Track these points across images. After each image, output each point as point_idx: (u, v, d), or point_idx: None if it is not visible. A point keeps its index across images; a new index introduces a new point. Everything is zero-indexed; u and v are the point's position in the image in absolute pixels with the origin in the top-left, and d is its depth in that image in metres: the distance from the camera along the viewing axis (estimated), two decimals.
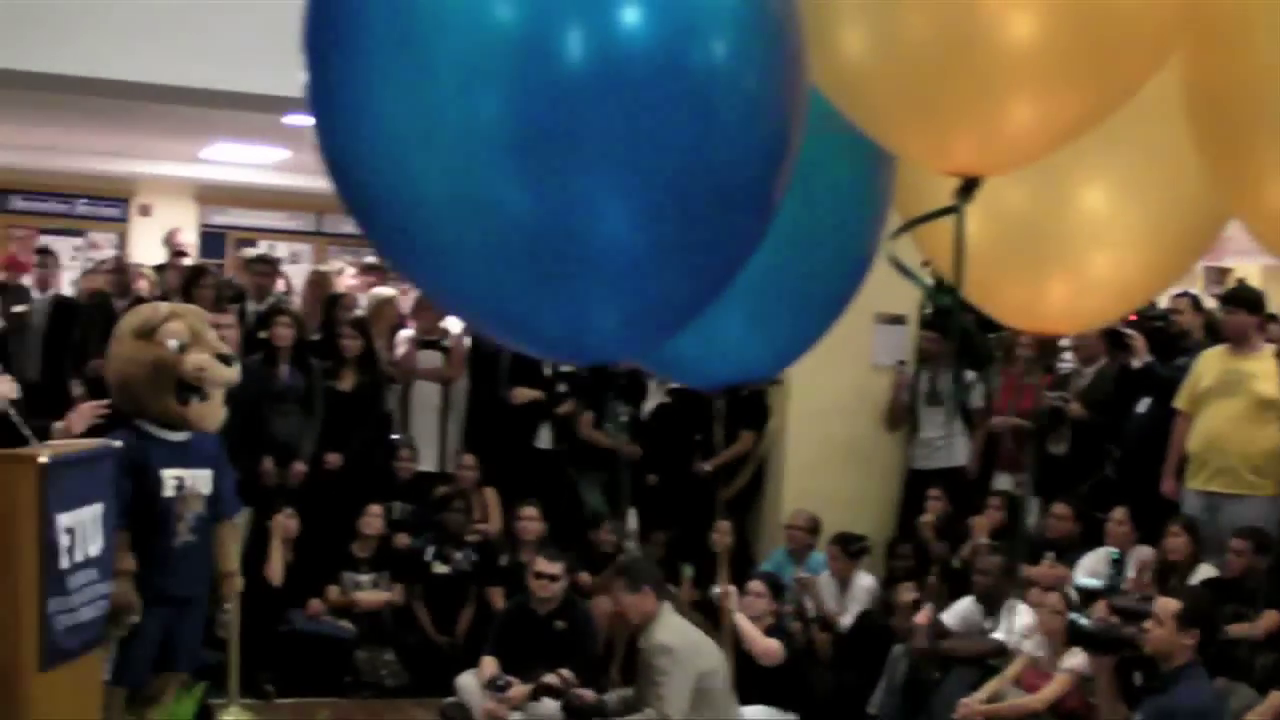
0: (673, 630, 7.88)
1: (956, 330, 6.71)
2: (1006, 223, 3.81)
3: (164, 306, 7.48)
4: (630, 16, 2.97)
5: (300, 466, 10.69)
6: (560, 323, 3.26)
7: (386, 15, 3.02)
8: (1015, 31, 3.18)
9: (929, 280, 4.20)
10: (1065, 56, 3.22)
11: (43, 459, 5.75)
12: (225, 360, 6.94)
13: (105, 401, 6.92)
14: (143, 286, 11.79)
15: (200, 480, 7.00)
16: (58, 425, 6.87)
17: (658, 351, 3.80)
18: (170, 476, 6.87)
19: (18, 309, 12.73)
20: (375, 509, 10.60)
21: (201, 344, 6.92)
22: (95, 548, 6.10)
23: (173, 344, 6.83)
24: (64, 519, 5.85)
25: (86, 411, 6.86)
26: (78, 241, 20.80)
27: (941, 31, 3.20)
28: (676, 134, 3.02)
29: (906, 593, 9.98)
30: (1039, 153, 3.46)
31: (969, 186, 3.44)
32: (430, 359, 11.66)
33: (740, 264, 3.42)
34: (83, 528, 6.00)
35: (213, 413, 7.00)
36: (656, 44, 2.98)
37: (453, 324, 12.28)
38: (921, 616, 9.33)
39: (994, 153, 3.41)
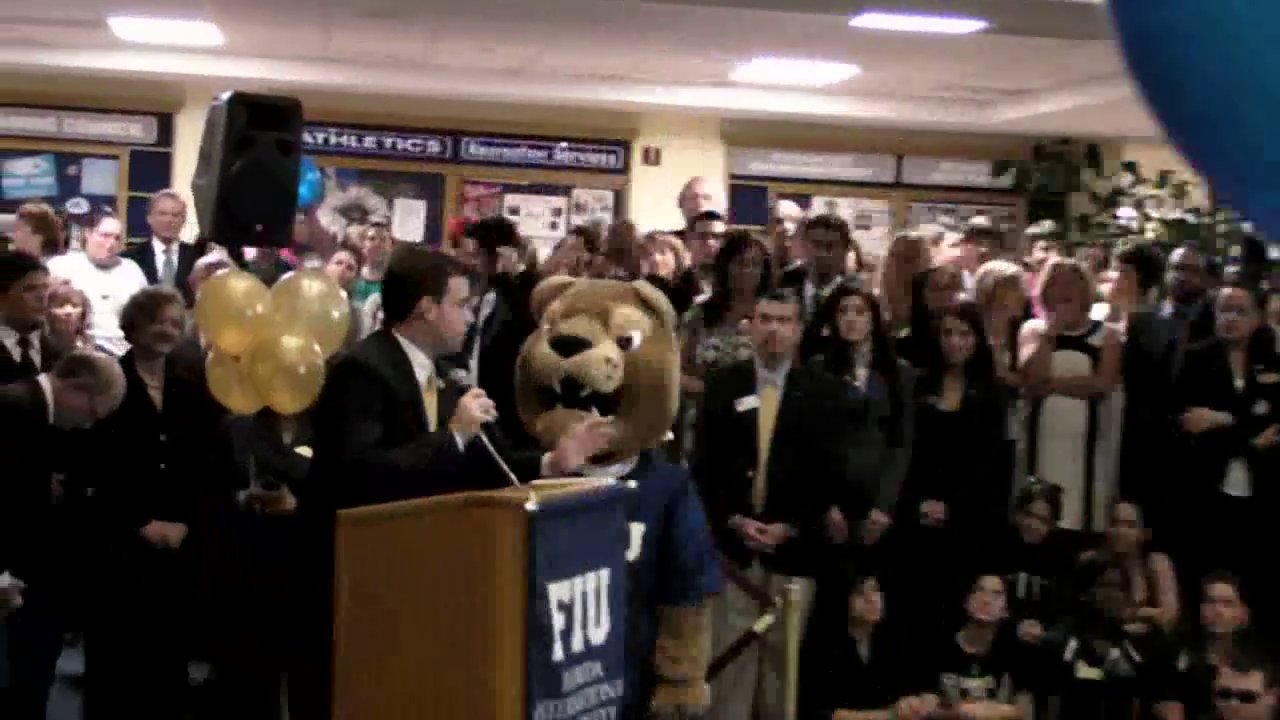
0: None
1: None
2: None
3: (556, 280, 7.67)
4: None
5: (882, 518, 10.79)
6: None
7: None
8: None
9: None
10: None
11: (530, 506, 5.83)
12: (560, 346, 6.93)
13: (607, 420, 6.95)
14: (661, 263, 11.95)
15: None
16: (546, 458, 7.01)
17: None
18: None
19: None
20: (993, 583, 10.57)
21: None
22: (600, 633, 6.21)
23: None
24: (557, 590, 5.94)
25: (586, 438, 6.90)
26: (557, 202, 21.60)
27: None
28: None
29: None
30: None
31: None
32: (1071, 363, 11.70)
33: None
34: (582, 602, 6.09)
35: (563, 427, 6.97)
36: None
37: (1099, 312, 12.07)
38: None
39: None
